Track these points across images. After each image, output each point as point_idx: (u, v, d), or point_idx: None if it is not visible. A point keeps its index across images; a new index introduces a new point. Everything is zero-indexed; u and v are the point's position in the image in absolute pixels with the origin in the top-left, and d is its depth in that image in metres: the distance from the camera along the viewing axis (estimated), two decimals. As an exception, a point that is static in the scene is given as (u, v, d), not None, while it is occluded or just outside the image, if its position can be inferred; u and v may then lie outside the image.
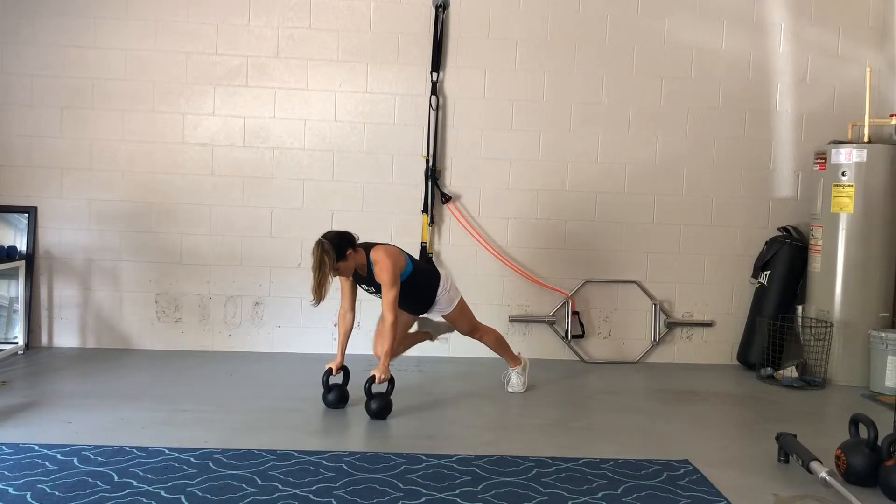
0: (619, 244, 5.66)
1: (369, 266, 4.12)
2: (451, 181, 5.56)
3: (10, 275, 5.30)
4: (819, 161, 5.34)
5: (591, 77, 5.60)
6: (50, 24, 5.37)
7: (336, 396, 4.22)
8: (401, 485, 3.13)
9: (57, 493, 2.95)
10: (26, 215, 5.40)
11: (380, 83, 5.52)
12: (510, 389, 4.64)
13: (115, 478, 3.10)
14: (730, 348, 5.71)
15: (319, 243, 3.98)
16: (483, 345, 4.68)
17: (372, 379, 4.05)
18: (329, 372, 4.24)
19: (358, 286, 4.29)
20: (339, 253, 3.98)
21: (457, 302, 4.41)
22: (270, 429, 3.81)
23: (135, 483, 3.06)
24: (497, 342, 4.64)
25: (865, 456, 3.26)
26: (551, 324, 5.62)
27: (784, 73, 5.69)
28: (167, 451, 3.41)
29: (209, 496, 2.96)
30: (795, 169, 5.72)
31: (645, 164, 5.65)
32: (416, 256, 5.19)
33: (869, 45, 5.70)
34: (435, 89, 5.49)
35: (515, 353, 4.70)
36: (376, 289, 4.17)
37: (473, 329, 4.57)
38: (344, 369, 4.28)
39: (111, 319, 5.49)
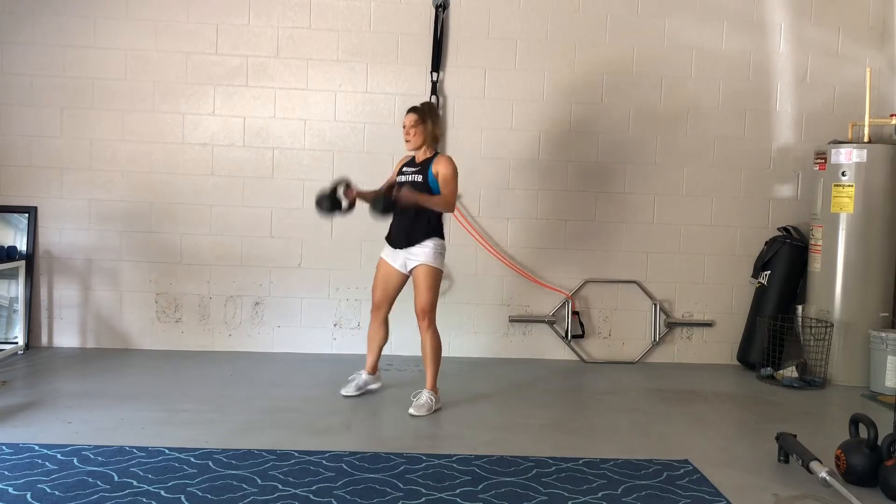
0: (619, 244, 5.66)
1: (429, 160, 4.22)
2: (451, 181, 5.55)
3: (10, 275, 5.30)
4: (819, 161, 5.34)
5: (591, 77, 5.60)
6: (50, 24, 5.37)
7: (329, 202, 4.21)
8: (401, 485, 3.13)
9: (57, 493, 2.95)
10: (26, 215, 5.40)
11: (380, 83, 5.52)
12: (411, 410, 4.12)
13: (115, 478, 3.10)
14: (730, 348, 5.71)
15: (426, 101, 4.48)
16: (424, 345, 4.26)
17: (396, 189, 4.12)
18: (338, 186, 4.24)
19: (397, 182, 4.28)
20: (433, 118, 4.23)
21: (436, 266, 4.19)
22: (270, 429, 3.81)
23: (135, 483, 3.06)
24: (434, 353, 4.23)
25: (865, 456, 3.26)
26: (551, 324, 5.62)
27: (784, 73, 5.70)
28: (167, 451, 3.41)
29: (209, 496, 2.96)
30: (795, 169, 5.72)
31: (645, 164, 5.65)
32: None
33: (869, 45, 5.70)
34: (435, 89, 5.49)
35: (438, 385, 4.28)
36: (416, 175, 4.20)
37: (427, 311, 4.19)
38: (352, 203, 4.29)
39: (111, 319, 5.49)
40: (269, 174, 5.51)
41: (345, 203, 4.28)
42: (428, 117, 4.24)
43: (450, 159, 4.24)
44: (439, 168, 4.18)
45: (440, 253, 4.23)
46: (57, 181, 5.43)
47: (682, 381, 5.17)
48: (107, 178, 5.45)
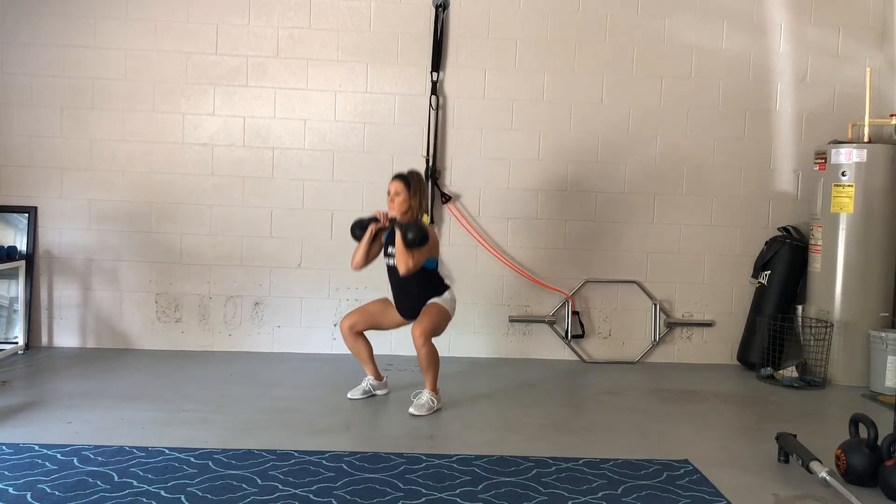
0: (619, 244, 5.66)
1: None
2: (451, 181, 5.56)
3: (10, 275, 5.30)
4: (819, 161, 5.34)
5: (591, 77, 5.59)
6: (50, 24, 5.38)
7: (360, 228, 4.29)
8: (401, 485, 3.13)
9: (57, 493, 2.95)
10: (26, 215, 5.40)
11: (380, 83, 5.52)
12: (412, 410, 4.13)
13: (115, 478, 3.10)
14: (730, 348, 5.71)
15: (414, 171, 4.31)
16: (420, 359, 4.18)
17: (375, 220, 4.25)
18: (375, 220, 4.27)
19: (382, 254, 4.33)
20: (419, 189, 4.25)
21: (447, 306, 4.25)
22: (270, 429, 3.81)
23: (135, 483, 3.06)
24: (430, 363, 4.16)
25: (865, 456, 3.26)
26: (551, 324, 5.62)
27: (784, 73, 5.70)
28: (167, 451, 3.41)
29: (209, 496, 2.96)
30: (795, 169, 5.72)
31: (645, 164, 5.65)
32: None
33: (869, 45, 5.70)
34: (435, 89, 5.49)
35: (438, 386, 4.27)
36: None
37: (428, 336, 4.12)
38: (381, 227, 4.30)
39: (111, 319, 5.49)
40: (269, 174, 5.51)
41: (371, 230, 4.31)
42: (413, 187, 4.21)
43: (430, 229, 4.21)
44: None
45: (453, 299, 4.31)
46: (57, 181, 5.43)
47: (682, 381, 5.17)
48: (107, 178, 5.45)
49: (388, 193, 4.25)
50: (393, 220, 4.21)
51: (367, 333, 4.42)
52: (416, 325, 4.13)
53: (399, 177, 4.25)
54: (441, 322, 4.22)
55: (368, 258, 4.33)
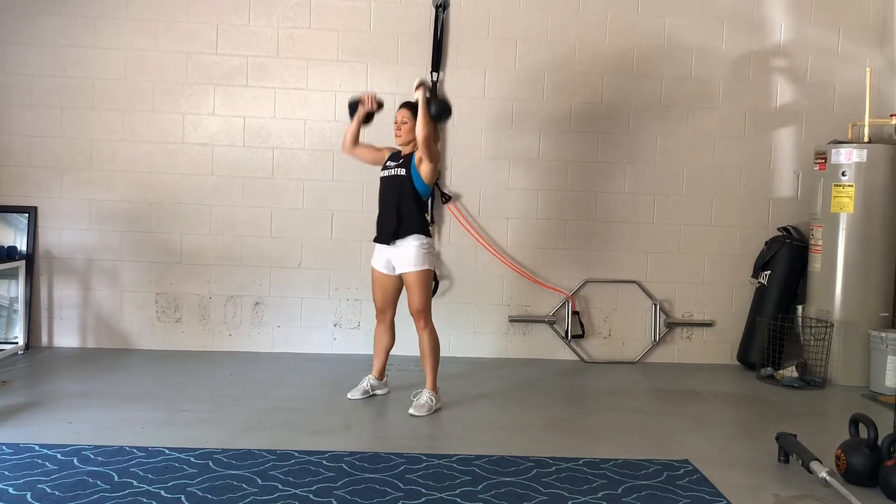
0: (619, 244, 5.66)
1: (412, 154, 4.21)
2: (451, 181, 5.56)
3: (10, 275, 5.30)
4: (819, 161, 5.34)
5: (591, 77, 5.60)
6: (50, 24, 5.38)
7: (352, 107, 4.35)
8: (401, 485, 3.13)
9: (57, 493, 2.95)
10: (26, 215, 5.40)
11: (380, 83, 5.51)
12: (412, 411, 4.12)
13: (115, 478, 3.10)
14: (730, 348, 5.71)
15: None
16: (421, 344, 4.25)
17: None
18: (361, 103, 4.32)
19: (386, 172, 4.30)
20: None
21: (424, 268, 4.16)
22: (270, 429, 3.81)
23: (135, 483, 3.06)
24: (432, 351, 4.21)
25: (865, 456, 3.26)
26: (551, 324, 5.62)
27: (784, 73, 5.70)
28: (167, 451, 3.41)
29: (209, 496, 2.96)
30: (795, 169, 5.72)
31: (645, 164, 5.65)
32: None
33: (869, 45, 5.70)
34: (435, 89, 5.48)
35: (438, 385, 4.29)
36: (399, 169, 4.21)
37: (422, 310, 4.16)
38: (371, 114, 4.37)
39: (111, 319, 5.49)
40: (269, 174, 5.51)
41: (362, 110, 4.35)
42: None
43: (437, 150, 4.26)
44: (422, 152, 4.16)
45: (427, 252, 4.19)
46: (57, 181, 5.43)
47: (682, 381, 5.17)
48: (107, 178, 5.45)
49: (395, 122, 4.25)
50: (422, 84, 4.17)
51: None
52: (410, 303, 4.18)
53: (406, 105, 4.25)
54: (426, 286, 4.19)
55: (359, 142, 4.38)
